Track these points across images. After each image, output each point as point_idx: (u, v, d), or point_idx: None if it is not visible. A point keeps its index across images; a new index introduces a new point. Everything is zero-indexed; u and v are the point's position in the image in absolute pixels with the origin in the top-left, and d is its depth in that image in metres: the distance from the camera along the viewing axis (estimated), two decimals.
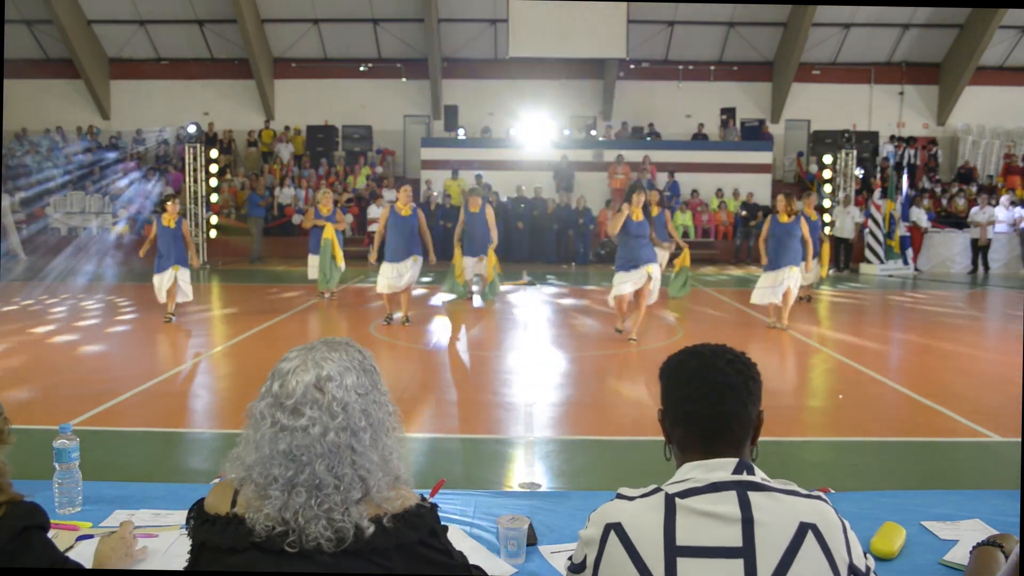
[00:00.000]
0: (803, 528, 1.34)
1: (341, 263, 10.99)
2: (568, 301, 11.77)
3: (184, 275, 9.17)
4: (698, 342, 1.54)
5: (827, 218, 15.92)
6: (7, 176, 19.01)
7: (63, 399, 5.83)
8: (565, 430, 5.31)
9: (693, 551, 1.33)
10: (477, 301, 11.13)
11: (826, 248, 12.02)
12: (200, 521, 1.40)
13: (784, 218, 8.91)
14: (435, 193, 18.65)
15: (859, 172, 17.70)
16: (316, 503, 1.33)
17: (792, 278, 8.90)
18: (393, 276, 8.83)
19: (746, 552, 1.32)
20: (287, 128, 21.38)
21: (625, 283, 7.89)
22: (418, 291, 11.72)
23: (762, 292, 9.02)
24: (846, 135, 17.89)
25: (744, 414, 1.45)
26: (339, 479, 1.33)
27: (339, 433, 1.34)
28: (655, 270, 7.92)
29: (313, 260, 11.26)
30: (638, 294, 7.97)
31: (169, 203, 9.18)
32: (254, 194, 17.92)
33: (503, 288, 12.79)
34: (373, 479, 1.37)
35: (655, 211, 9.11)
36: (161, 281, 9.08)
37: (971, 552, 1.73)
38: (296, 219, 18.24)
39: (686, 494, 1.38)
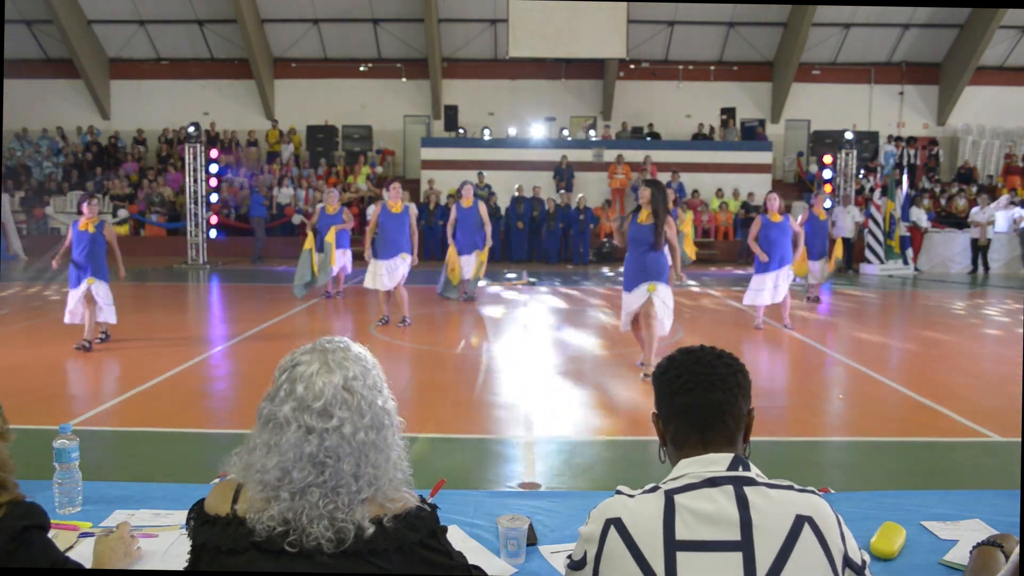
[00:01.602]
0: (799, 520, 1.36)
1: (332, 264, 10.93)
2: (568, 301, 11.76)
3: (101, 289, 7.51)
4: (698, 342, 1.57)
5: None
6: (7, 176, 18.99)
7: (63, 399, 5.83)
8: (565, 430, 5.31)
9: (692, 545, 1.35)
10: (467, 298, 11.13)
11: (838, 246, 12.09)
12: (200, 522, 1.40)
13: (776, 217, 8.86)
14: (436, 192, 18.62)
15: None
16: (323, 503, 1.33)
17: (789, 278, 8.91)
18: (381, 273, 8.78)
19: (744, 545, 1.35)
20: (290, 130, 21.39)
21: (625, 310, 6.56)
22: (418, 292, 11.70)
23: (756, 294, 8.88)
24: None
25: (735, 405, 1.48)
26: (358, 478, 1.35)
27: (368, 432, 1.36)
28: (660, 289, 6.34)
29: (322, 259, 11.23)
30: (643, 317, 6.45)
31: (86, 204, 7.62)
32: (256, 193, 17.89)
33: (502, 287, 12.80)
34: (385, 478, 1.38)
35: None
36: (78, 296, 7.52)
37: (971, 552, 1.73)
38: (296, 219, 18.24)
39: (684, 489, 1.41)
